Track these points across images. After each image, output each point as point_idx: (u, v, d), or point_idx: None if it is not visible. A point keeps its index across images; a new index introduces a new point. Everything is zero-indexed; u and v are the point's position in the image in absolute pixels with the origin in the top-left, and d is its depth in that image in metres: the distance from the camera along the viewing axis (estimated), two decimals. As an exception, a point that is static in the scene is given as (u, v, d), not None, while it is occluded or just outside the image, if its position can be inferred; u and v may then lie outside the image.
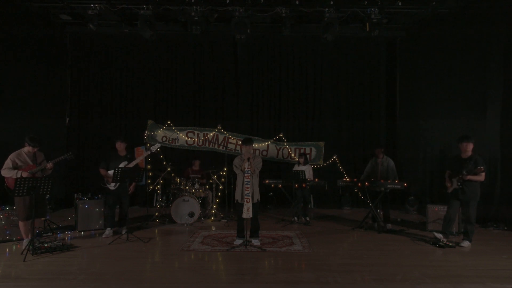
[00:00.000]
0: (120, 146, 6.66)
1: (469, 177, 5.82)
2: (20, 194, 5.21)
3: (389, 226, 7.21)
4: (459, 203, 6.05)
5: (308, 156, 9.72)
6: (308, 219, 7.77)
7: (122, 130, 9.83)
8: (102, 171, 6.52)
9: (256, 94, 10.08)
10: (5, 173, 5.54)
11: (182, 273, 4.74)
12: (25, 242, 5.54)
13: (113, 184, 6.39)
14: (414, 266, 4.95)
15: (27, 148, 5.68)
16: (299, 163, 8.13)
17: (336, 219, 8.31)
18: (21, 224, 5.65)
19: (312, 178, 7.97)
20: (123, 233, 6.41)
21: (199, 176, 8.37)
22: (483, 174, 5.83)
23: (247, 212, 5.62)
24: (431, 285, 4.29)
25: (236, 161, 5.91)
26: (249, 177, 5.65)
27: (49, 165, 5.78)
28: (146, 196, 9.16)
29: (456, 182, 5.98)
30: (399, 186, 6.88)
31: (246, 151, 5.77)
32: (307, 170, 7.88)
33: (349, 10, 8.10)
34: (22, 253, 5.22)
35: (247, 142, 5.86)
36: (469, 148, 5.97)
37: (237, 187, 5.93)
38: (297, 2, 7.75)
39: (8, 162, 5.56)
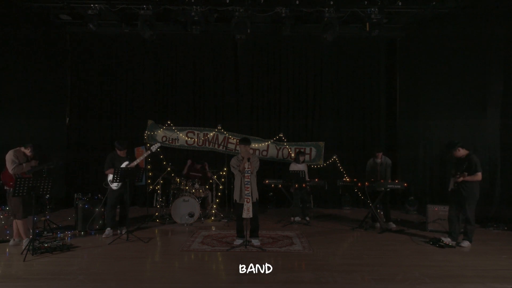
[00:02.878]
0: (122, 153, 6.66)
1: (461, 178, 5.82)
2: (20, 194, 5.22)
3: (392, 225, 7.20)
4: (457, 204, 6.05)
5: (308, 156, 9.73)
6: (308, 219, 7.76)
7: (122, 130, 9.83)
8: (110, 171, 6.45)
9: (256, 94, 10.07)
10: (16, 170, 5.60)
11: (182, 273, 4.75)
12: (25, 242, 5.54)
13: (115, 184, 6.39)
14: (414, 266, 4.96)
15: (26, 151, 5.78)
16: (299, 160, 8.06)
17: (336, 219, 8.31)
18: (20, 223, 5.64)
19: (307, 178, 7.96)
20: (123, 233, 6.41)
21: (200, 175, 8.36)
22: (479, 174, 5.78)
23: (247, 212, 5.62)
24: (431, 285, 4.30)
25: (233, 161, 5.91)
26: (249, 177, 5.67)
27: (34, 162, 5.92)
28: (146, 196, 9.15)
29: (452, 183, 5.99)
30: (399, 186, 6.89)
31: (245, 151, 5.78)
32: (306, 169, 7.89)
33: (349, 10, 8.09)
34: (22, 253, 5.22)
35: (246, 142, 5.86)
36: (457, 155, 5.98)
37: (235, 187, 5.93)
38: (297, 2, 7.74)
39: (14, 160, 5.61)
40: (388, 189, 6.95)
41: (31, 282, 4.35)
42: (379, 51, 10.13)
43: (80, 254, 5.46)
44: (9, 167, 5.62)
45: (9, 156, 5.65)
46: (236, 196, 5.89)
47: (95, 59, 9.88)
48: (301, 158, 8.05)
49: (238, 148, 9.66)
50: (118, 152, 6.63)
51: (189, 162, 8.83)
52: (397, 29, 9.61)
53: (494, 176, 7.30)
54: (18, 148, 5.79)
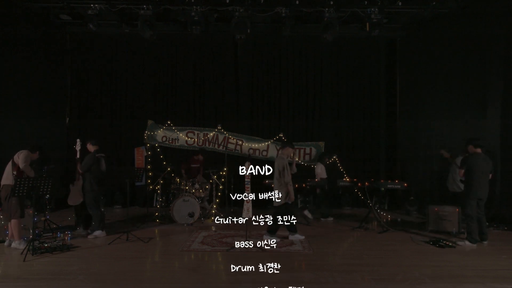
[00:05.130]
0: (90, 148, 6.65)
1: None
2: (20, 194, 5.22)
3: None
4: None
5: (308, 156, 9.74)
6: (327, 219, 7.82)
7: (122, 130, 9.84)
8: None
9: (256, 94, 10.08)
10: (28, 170, 5.57)
11: (182, 273, 4.74)
12: (17, 243, 5.57)
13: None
14: (414, 266, 4.96)
15: (33, 155, 5.80)
16: (324, 161, 8.33)
17: (336, 219, 8.30)
18: (17, 222, 5.60)
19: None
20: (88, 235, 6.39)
21: (198, 165, 8.30)
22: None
23: (247, 212, 5.65)
24: (431, 285, 4.30)
25: (285, 163, 6.10)
26: (249, 177, 5.71)
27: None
28: (146, 196, 9.15)
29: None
30: (399, 186, 6.89)
31: (289, 153, 6.32)
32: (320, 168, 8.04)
33: (349, 10, 8.10)
34: (22, 253, 5.22)
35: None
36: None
37: (282, 188, 6.07)
38: (297, 2, 7.75)
39: (28, 159, 5.60)
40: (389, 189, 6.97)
41: (31, 282, 4.35)
42: (379, 51, 10.13)
43: (80, 254, 5.46)
44: (22, 162, 5.55)
45: (25, 153, 5.65)
46: (287, 198, 6.05)
47: (95, 59, 9.88)
48: (327, 160, 8.19)
49: (238, 148, 9.68)
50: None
51: (199, 157, 8.74)
52: (397, 29, 9.61)
53: (494, 176, 7.30)
54: (28, 153, 5.78)
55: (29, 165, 5.62)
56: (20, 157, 5.61)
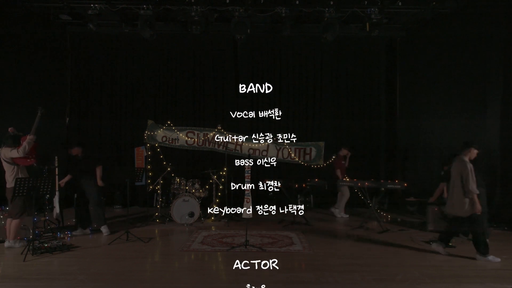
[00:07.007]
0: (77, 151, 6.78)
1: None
2: (20, 194, 5.23)
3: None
4: None
5: (308, 156, 9.73)
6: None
7: (122, 130, 9.84)
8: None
9: (256, 94, 10.07)
10: (22, 152, 5.48)
11: (182, 273, 4.75)
12: (12, 242, 5.60)
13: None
14: (414, 266, 4.96)
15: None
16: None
17: (336, 219, 8.31)
18: (17, 222, 5.59)
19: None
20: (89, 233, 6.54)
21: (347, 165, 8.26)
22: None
23: (247, 212, 5.67)
24: (431, 285, 4.30)
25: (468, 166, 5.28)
26: (249, 177, 5.70)
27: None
28: (146, 196, 9.15)
29: None
30: (399, 186, 6.89)
31: (474, 155, 5.43)
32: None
33: (349, 10, 8.10)
34: (22, 253, 5.22)
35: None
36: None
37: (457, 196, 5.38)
38: (297, 2, 7.75)
39: (25, 145, 5.51)
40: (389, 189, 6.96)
41: (31, 282, 4.36)
42: (379, 51, 10.12)
43: (80, 254, 5.47)
44: (22, 151, 5.45)
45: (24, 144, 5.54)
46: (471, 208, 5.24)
47: (95, 59, 9.88)
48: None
49: (238, 148, 9.67)
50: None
51: (345, 152, 8.61)
52: (397, 29, 9.61)
53: (494, 176, 7.30)
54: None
55: (25, 148, 5.48)
56: (9, 152, 5.49)
